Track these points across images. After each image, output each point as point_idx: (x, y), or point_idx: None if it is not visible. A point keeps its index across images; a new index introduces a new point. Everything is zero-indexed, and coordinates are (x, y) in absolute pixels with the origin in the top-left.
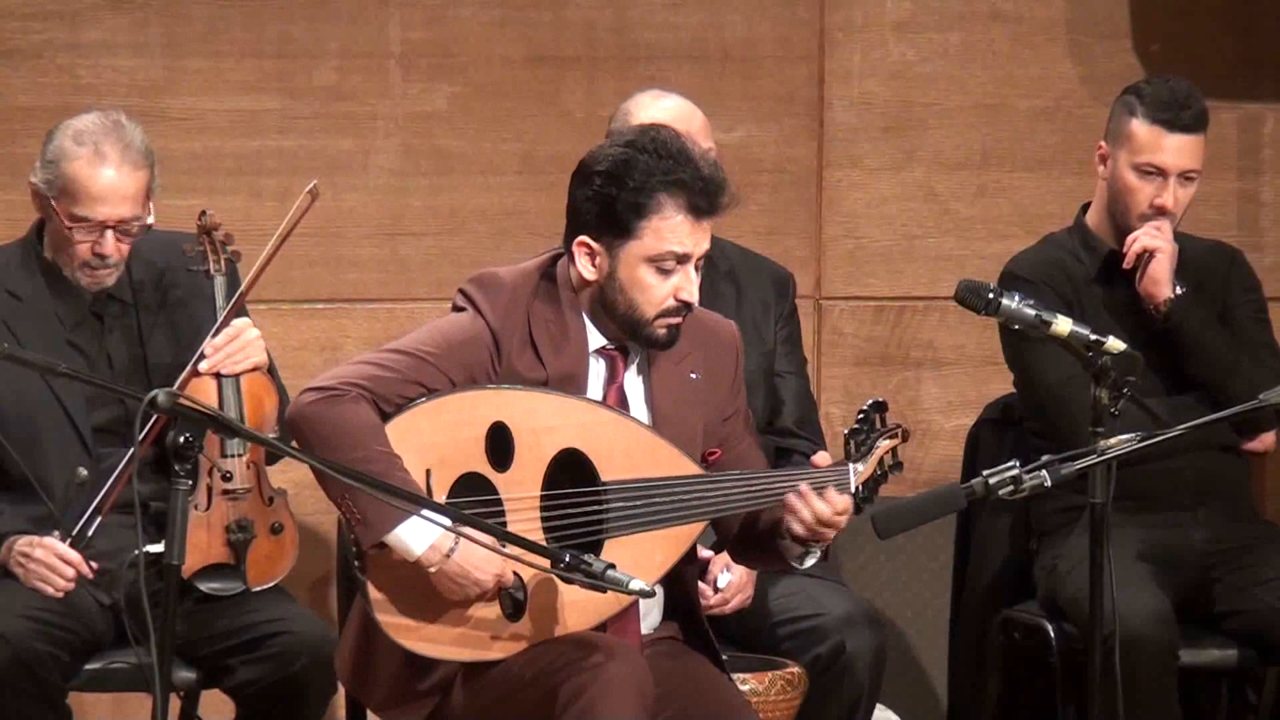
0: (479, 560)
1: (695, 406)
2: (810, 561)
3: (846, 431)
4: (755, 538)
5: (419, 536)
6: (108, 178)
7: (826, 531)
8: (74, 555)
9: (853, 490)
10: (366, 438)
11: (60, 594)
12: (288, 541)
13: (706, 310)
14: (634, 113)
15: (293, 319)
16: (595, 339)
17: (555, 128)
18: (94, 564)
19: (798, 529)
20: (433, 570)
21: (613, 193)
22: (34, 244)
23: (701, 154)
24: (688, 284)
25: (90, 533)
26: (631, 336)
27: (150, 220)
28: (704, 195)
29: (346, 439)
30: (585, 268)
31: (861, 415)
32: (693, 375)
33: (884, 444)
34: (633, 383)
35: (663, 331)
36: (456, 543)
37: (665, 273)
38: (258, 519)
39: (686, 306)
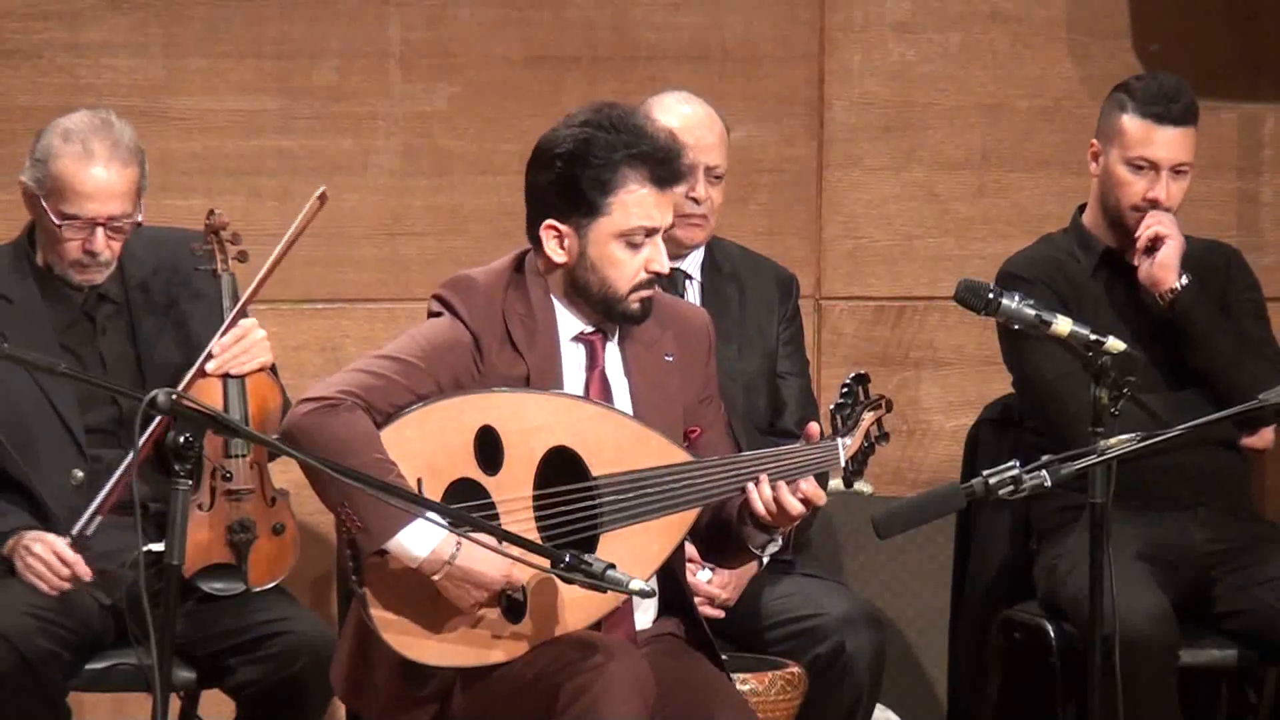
0: (483, 563)
1: (673, 387)
2: (773, 549)
3: (832, 407)
4: (720, 528)
5: (420, 542)
6: (96, 175)
7: (782, 517)
8: (71, 556)
9: (843, 465)
10: (363, 446)
11: (54, 593)
12: (289, 542)
13: (678, 299)
14: (655, 116)
15: (293, 319)
16: (570, 325)
17: None
18: (92, 568)
19: (757, 508)
20: (436, 577)
21: (576, 172)
22: (25, 246)
23: (655, 126)
24: (658, 255)
25: (90, 533)
26: (606, 315)
27: (140, 218)
28: (665, 165)
29: (343, 448)
30: (554, 251)
31: (845, 389)
32: (668, 357)
33: (868, 416)
34: (614, 368)
35: (636, 306)
36: (458, 547)
37: (635, 247)
38: (260, 519)
39: (658, 277)
